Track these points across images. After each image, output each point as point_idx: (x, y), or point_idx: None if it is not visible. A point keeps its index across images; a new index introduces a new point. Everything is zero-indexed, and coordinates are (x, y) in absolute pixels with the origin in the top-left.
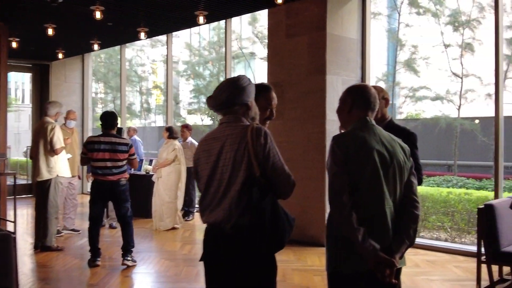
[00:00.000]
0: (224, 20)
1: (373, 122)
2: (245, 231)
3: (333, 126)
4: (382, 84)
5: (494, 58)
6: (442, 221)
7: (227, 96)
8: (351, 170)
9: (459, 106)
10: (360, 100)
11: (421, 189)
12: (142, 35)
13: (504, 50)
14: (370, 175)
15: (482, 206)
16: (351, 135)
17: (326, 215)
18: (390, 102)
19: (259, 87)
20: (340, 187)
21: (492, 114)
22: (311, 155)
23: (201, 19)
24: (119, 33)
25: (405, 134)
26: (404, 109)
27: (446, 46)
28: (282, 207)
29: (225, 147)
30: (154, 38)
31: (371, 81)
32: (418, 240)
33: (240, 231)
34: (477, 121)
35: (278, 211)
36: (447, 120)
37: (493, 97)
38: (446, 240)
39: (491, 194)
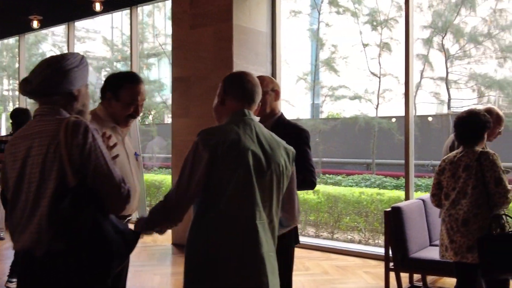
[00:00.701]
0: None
1: (252, 116)
2: (60, 259)
3: None
4: (302, 84)
5: (404, 57)
6: (356, 222)
7: (41, 80)
8: (218, 175)
9: (377, 105)
10: (235, 89)
11: (333, 190)
12: (35, 23)
13: (421, 49)
14: (241, 181)
15: (389, 209)
16: (222, 131)
17: None
18: (312, 101)
19: (122, 77)
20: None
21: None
22: None
23: (97, 6)
24: (8, 22)
25: (297, 131)
26: (324, 108)
27: (365, 45)
28: (118, 222)
29: (33, 149)
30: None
31: (292, 80)
32: (330, 244)
33: (54, 258)
34: (394, 120)
35: (103, 230)
36: (366, 119)
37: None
38: (360, 242)
39: (403, 194)
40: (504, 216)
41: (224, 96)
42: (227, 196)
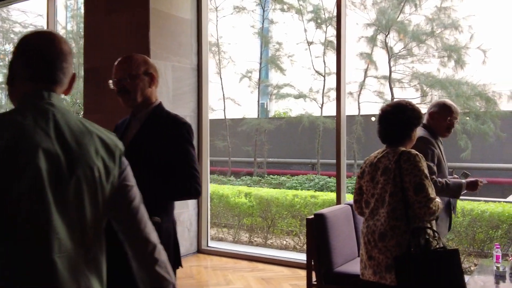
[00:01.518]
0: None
1: (54, 100)
2: None
3: None
4: (246, 81)
5: (336, 56)
6: (291, 226)
7: None
8: None
9: (322, 105)
10: (20, 60)
11: (265, 192)
12: None
13: (365, 48)
14: (27, 195)
15: (311, 217)
16: (5, 120)
17: None
18: (258, 100)
19: None
20: None
21: (354, 112)
22: None
23: None
24: None
25: (176, 125)
26: (272, 108)
27: (309, 43)
28: None
29: None
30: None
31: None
32: (259, 253)
33: None
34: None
35: None
36: (310, 118)
37: (355, 95)
38: (295, 248)
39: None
40: (427, 230)
41: (12, 72)
42: (7, 219)
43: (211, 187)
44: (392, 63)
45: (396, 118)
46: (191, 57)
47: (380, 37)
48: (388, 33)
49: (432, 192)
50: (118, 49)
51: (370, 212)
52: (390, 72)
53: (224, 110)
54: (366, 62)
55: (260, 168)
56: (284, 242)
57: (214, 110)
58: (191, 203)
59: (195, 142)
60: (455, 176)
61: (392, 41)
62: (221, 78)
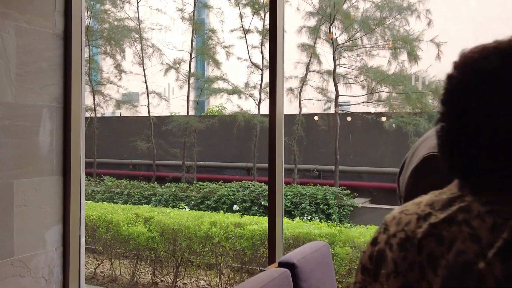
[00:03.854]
0: None
1: None
2: None
3: None
4: (172, 74)
5: (269, 47)
6: (208, 258)
7: None
8: None
9: (259, 102)
10: None
11: (172, 219)
12: None
13: (306, 39)
14: None
15: (276, 267)
16: None
17: None
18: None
19: None
20: None
21: (294, 111)
22: None
23: None
24: None
25: None
26: (205, 105)
27: (246, 31)
28: None
29: None
30: None
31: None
32: None
33: None
34: None
35: None
36: (246, 117)
37: (296, 92)
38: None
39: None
40: None
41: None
42: None
43: (96, 210)
44: (336, 56)
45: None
46: (53, 18)
47: (324, 27)
48: (333, 22)
49: None
50: None
51: None
52: (335, 66)
53: (148, 106)
54: (308, 54)
55: (189, 172)
56: (202, 283)
57: (135, 106)
58: (50, 237)
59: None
60: None
61: (337, 31)
62: (144, 69)
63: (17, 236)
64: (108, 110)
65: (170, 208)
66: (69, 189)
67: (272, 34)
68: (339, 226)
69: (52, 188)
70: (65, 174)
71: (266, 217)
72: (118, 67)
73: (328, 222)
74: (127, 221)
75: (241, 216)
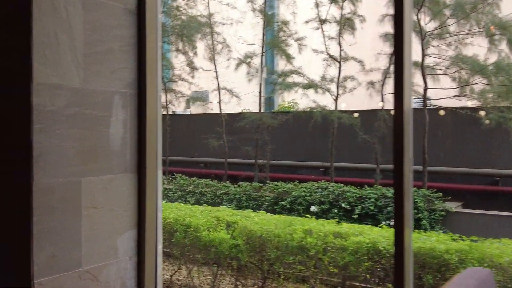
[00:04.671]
0: None
1: None
2: None
3: None
4: (242, 70)
5: (394, 31)
6: (300, 270)
7: None
8: None
9: (337, 96)
10: None
11: (258, 224)
12: None
13: (388, 28)
14: None
15: None
16: None
17: None
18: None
19: None
20: None
21: (376, 107)
22: None
23: None
24: None
25: None
26: (276, 100)
27: (322, 22)
28: None
29: None
30: None
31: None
32: None
33: None
34: (356, 114)
35: None
36: (323, 113)
37: (377, 86)
38: None
39: (384, 233)
40: None
41: None
42: None
43: (173, 212)
44: (424, 45)
45: None
46: None
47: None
48: (420, 8)
49: None
50: None
51: None
52: (423, 56)
53: (220, 103)
54: (392, 45)
55: (262, 171)
56: None
57: (207, 103)
58: (123, 244)
59: (135, 137)
60: None
61: (426, 17)
62: (215, 65)
63: (85, 244)
64: (179, 107)
65: (249, 210)
66: (144, 188)
67: (398, 15)
68: (463, 239)
69: (125, 188)
70: (140, 171)
71: (369, 226)
72: (190, 64)
73: (421, 231)
74: (207, 225)
75: (338, 224)
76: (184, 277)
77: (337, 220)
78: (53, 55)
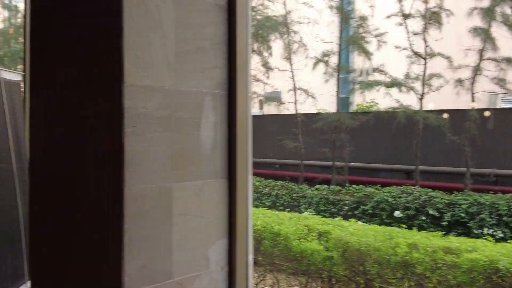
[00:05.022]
0: None
1: None
2: None
3: None
4: (319, 69)
5: None
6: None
7: None
8: None
9: (422, 95)
10: None
11: (353, 235)
12: None
13: (478, 22)
14: None
15: None
16: None
17: None
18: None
19: None
20: None
21: (464, 106)
22: None
23: None
24: None
25: None
26: (354, 99)
27: (406, 16)
28: None
29: None
30: None
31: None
32: None
33: None
34: (445, 115)
35: None
36: (407, 113)
37: (466, 84)
38: None
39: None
40: None
41: None
42: None
43: (260, 218)
44: None
45: None
46: None
47: (500, 8)
48: None
49: None
50: None
51: None
52: None
53: (295, 103)
54: (482, 40)
55: (339, 174)
56: None
57: (282, 103)
58: (214, 254)
59: (226, 141)
60: None
61: None
62: (291, 65)
63: (176, 254)
64: (253, 108)
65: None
66: (235, 195)
67: None
68: None
69: (216, 194)
70: (230, 176)
71: (481, 241)
72: (265, 64)
73: None
74: (297, 234)
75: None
76: (269, 286)
77: (424, 227)
78: (144, 55)
